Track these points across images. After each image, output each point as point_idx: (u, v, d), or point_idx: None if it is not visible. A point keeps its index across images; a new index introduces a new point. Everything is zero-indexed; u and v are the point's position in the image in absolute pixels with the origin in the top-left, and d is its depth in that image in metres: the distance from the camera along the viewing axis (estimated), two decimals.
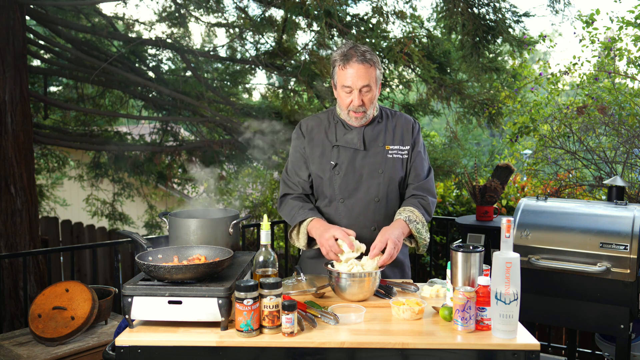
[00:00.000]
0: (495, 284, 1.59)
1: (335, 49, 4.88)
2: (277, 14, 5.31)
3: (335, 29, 4.53)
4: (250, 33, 5.40)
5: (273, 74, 5.90)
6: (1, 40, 4.35)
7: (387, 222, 2.21)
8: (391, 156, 2.21)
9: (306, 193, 2.29)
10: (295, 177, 2.29)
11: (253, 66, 5.68)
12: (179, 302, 1.63)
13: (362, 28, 4.69)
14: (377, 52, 4.54)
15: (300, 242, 2.20)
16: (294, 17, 4.47)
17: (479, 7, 4.47)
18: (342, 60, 2.10)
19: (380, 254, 1.97)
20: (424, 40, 4.98)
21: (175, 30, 5.69)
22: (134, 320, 1.66)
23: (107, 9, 7.55)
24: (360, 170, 2.20)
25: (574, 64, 4.50)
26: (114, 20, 5.85)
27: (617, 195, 2.99)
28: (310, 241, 2.22)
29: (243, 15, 5.57)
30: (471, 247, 1.77)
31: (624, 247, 2.52)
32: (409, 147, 2.25)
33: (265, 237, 1.82)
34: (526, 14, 4.61)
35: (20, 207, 4.47)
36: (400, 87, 5.32)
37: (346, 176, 2.19)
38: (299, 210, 2.19)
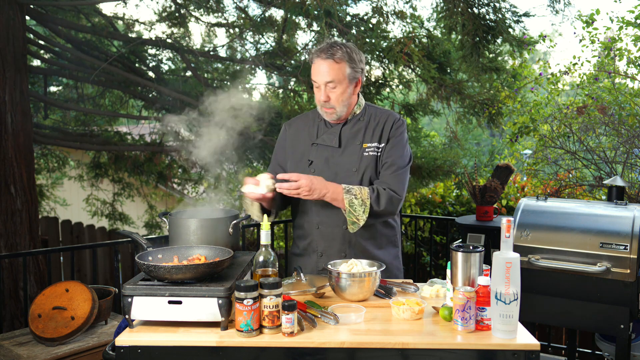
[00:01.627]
0: (495, 284, 1.60)
1: None
2: (277, 14, 5.32)
3: (335, 29, 4.53)
4: (250, 33, 5.40)
5: (273, 74, 5.90)
6: (1, 40, 4.35)
7: None
8: (367, 154, 2.20)
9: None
10: (276, 172, 2.33)
11: (253, 66, 5.68)
12: (179, 302, 1.63)
13: (362, 28, 4.69)
14: (377, 52, 4.53)
15: (254, 209, 2.23)
16: (294, 17, 4.47)
17: (479, 7, 4.47)
18: (312, 55, 2.15)
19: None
20: (424, 40, 4.98)
21: (175, 30, 5.69)
22: (134, 320, 1.66)
23: (107, 9, 7.54)
24: (335, 168, 2.20)
25: (574, 64, 4.50)
26: (114, 20, 5.85)
27: (617, 195, 2.99)
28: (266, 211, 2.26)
29: (243, 15, 5.57)
30: (471, 247, 1.77)
31: (624, 247, 2.52)
32: (384, 144, 2.22)
33: (265, 237, 1.82)
34: (526, 14, 4.61)
35: (20, 207, 4.47)
36: (400, 87, 5.32)
37: (321, 174, 2.19)
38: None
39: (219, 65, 6.05)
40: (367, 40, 4.49)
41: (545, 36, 4.87)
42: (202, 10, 5.53)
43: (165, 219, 2.11)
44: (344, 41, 2.19)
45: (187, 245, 1.93)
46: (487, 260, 1.83)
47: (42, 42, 5.60)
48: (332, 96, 2.13)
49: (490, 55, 4.92)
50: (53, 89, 6.73)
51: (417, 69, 4.93)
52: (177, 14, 5.54)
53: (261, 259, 1.80)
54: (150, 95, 5.69)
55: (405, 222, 5.47)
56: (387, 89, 5.18)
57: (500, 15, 4.48)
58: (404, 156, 2.24)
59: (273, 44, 5.40)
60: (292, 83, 5.61)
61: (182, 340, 1.59)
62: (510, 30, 4.50)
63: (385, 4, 4.67)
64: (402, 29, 4.78)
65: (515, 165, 4.88)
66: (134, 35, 5.93)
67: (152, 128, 6.14)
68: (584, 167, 4.38)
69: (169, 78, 5.83)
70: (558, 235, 2.69)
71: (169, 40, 5.43)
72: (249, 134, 5.00)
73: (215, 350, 1.58)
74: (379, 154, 2.21)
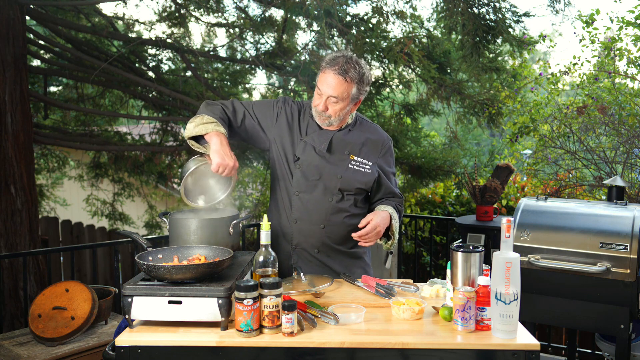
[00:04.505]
0: (495, 284, 1.60)
1: (335, 49, 4.88)
2: (277, 14, 5.31)
3: (335, 29, 4.53)
4: (250, 33, 5.39)
5: (273, 74, 5.90)
6: (1, 40, 4.35)
7: (337, 224, 2.24)
8: (352, 166, 2.24)
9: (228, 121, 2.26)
10: (240, 106, 2.27)
11: (253, 66, 5.67)
12: (179, 302, 1.63)
13: (362, 28, 4.68)
14: (377, 52, 4.53)
15: (190, 130, 2.13)
16: (294, 17, 4.46)
17: (479, 7, 4.47)
18: (326, 64, 2.14)
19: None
20: (424, 40, 4.98)
21: (175, 30, 5.69)
22: (134, 320, 1.66)
23: (107, 9, 7.55)
24: (320, 170, 2.22)
25: (574, 64, 4.50)
26: (114, 20, 5.85)
27: (617, 195, 2.99)
28: (198, 139, 2.17)
29: (243, 15, 5.57)
30: (471, 247, 1.77)
31: (624, 247, 2.52)
32: (371, 163, 2.27)
33: (265, 237, 1.82)
34: (526, 14, 4.60)
35: (20, 207, 4.47)
36: (400, 87, 5.32)
37: (305, 172, 2.22)
38: (218, 120, 2.15)
39: (219, 65, 6.05)
40: (367, 40, 4.48)
41: (545, 36, 4.87)
42: (202, 10, 5.53)
43: (165, 219, 2.11)
44: (355, 56, 2.18)
45: (187, 245, 1.94)
46: (487, 260, 1.83)
47: (42, 42, 5.60)
48: (330, 108, 2.16)
49: (490, 55, 4.92)
50: (53, 89, 6.73)
51: (417, 69, 4.92)
52: (177, 14, 5.53)
53: (261, 259, 1.80)
54: (150, 95, 5.69)
55: (405, 222, 5.47)
56: (387, 89, 5.18)
57: (500, 15, 4.48)
58: (396, 183, 2.42)
59: (273, 44, 5.40)
60: (292, 83, 5.61)
61: (182, 340, 1.59)
62: (510, 30, 4.50)
63: (385, 4, 4.66)
64: (402, 29, 4.77)
65: (515, 165, 4.88)
66: (134, 35, 5.93)
67: (152, 128, 6.14)
68: (584, 167, 4.38)
69: (169, 78, 5.83)
70: (558, 235, 2.69)
71: (169, 40, 5.43)
72: None
73: (215, 350, 1.58)
74: (364, 170, 2.26)
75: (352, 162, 2.25)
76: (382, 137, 2.34)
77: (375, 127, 2.36)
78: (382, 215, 2.19)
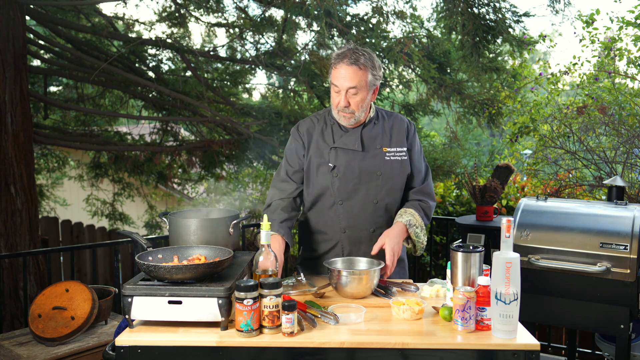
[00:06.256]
0: (495, 284, 1.60)
1: (335, 49, 4.88)
2: (277, 14, 5.31)
3: (335, 29, 4.53)
4: (250, 33, 5.40)
5: (273, 74, 5.90)
6: (1, 40, 4.34)
7: (386, 223, 2.22)
8: (389, 158, 2.22)
9: (294, 197, 2.29)
10: (288, 182, 2.29)
11: (253, 66, 5.68)
12: (179, 302, 1.63)
13: (362, 28, 4.69)
14: (377, 52, 4.53)
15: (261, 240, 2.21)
16: (294, 17, 4.46)
17: (479, 7, 4.47)
18: (335, 59, 2.15)
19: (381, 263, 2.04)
20: (424, 40, 4.98)
21: (175, 30, 5.69)
22: (134, 320, 1.66)
23: (107, 9, 7.55)
24: (359, 172, 2.20)
25: (574, 64, 4.50)
26: (114, 20, 5.85)
27: (617, 195, 2.99)
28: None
29: (243, 15, 5.57)
30: (471, 247, 1.77)
31: (624, 247, 2.52)
32: (405, 148, 2.26)
33: (265, 237, 1.82)
34: (526, 14, 4.61)
35: (20, 207, 4.47)
36: (400, 87, 5.32)
37: (344, 178, 2.20)
38: (278, 224, 2.17)
39: (219, 65, 6.05)
40: (367, 40, 4.48)
41: (545, 36, 4.86)
42: (202, 10, 5.53)
43: (165, 219, 2.11)
44: (360, 47, 2.19)
45: (187, 245, 1.94)
46: (487, 260, 1.83)
47: (42, 42, 5.60)
48: (352, 102, 2.14)
49: (490, 55, 4.92)
50: (53, 89, 6.73)
51: (417, 69, 4.93)
52: (177, 14, 5.54)
53: (261, 259, 1.80)
54: (150, 95, 5.69)
55: None
56: (387, 89, 5.18)
57: (500, 15, 4.48)
58: (425, 160, 2.35)
59: (273, 44, 5.40)
60: (292, 83, 5.61)
61: (182, 340, 1.59)
62: (510, 30, 4.50)
63: (385, 4, 4.66)
64: (402, 29, 4.78)
65: (515, 165, 4.88)
66: (134, 35, 5.93)
67: (152, 128, 6.14)
68: (584, 167, 4.38)
69: (169, 78, 5.83)
70: (558, 235, 2.69)
71: (169, 40, 5.43)
72: (249, 133, 5.00)
73: (215, 350, 1.58)
74: (402, 158, 2.23)
75: (387, 154, 2.23)
76: (405, 120, 2.33)
77: (395, 114, 2.35)
78: (393, 236, 2.11)
